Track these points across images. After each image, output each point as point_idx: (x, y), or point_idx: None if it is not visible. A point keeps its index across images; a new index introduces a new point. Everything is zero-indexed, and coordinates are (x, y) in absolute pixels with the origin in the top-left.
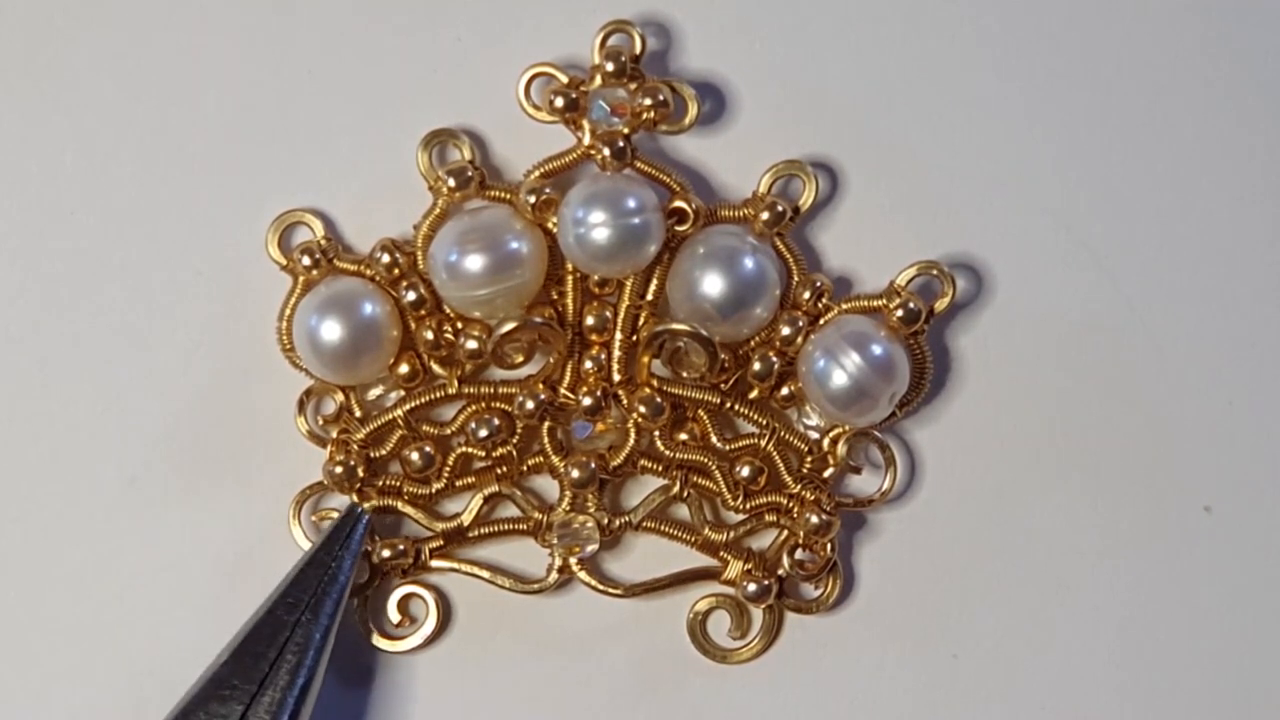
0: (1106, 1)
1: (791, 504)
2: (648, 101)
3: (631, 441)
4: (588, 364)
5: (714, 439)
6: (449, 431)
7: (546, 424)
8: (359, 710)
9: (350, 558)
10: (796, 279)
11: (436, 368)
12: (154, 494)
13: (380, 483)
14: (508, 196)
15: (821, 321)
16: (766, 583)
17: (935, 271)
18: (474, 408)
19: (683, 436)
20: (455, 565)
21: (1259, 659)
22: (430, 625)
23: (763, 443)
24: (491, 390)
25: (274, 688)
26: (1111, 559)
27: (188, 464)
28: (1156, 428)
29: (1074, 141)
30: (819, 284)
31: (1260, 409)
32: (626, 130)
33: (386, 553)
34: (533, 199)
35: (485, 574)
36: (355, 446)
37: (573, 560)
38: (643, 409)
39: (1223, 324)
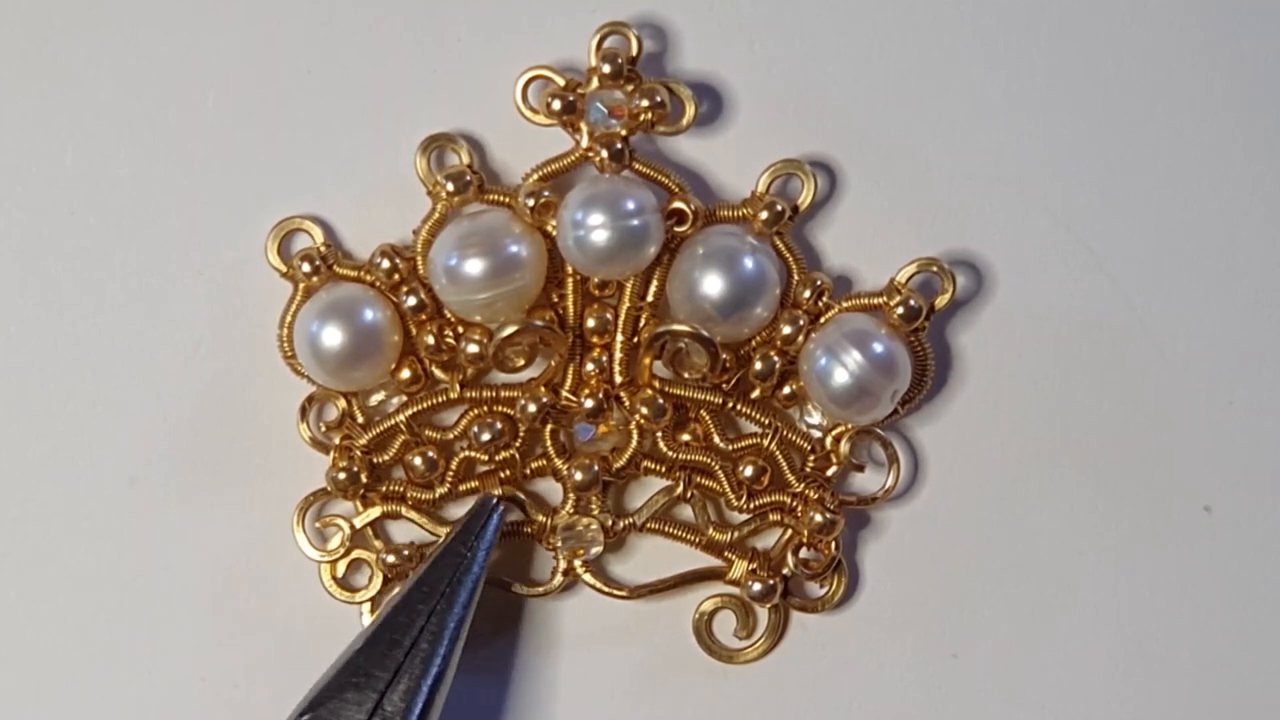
0: (1106, 1)
1: (795, 503)
2: (645, 103)
3: (634, 443)
4: (589, 366)
5: (717, 439)
6: (451, 436)
7: (549, 427)
8: None
9: (484, 548)
10: (796, 278)
11: (438, 372)
12: (154, 494)
13: (384, 488)
14: (507, 200)
15: (822, 320)
16: (771, 582)
17: (935, 269)
18: (476, 412)
19: (685, 437)
20: None
21: (1259, 659)
22: None
23: (765, 442)
24: (493, 394)
25: (409, 676)
26: (1111, 559)
27: (188, 465)
28: (1156, 427)
29: (1074, 140)
30: (819, 282)
31: (1260, 409)
32: (624, 132)
33: (391, 558)
34: (531, 202)
35: (490, 578)
36: (358, 452)
37: (577, 562)
38: (645, 410)
39: (1223, 324)
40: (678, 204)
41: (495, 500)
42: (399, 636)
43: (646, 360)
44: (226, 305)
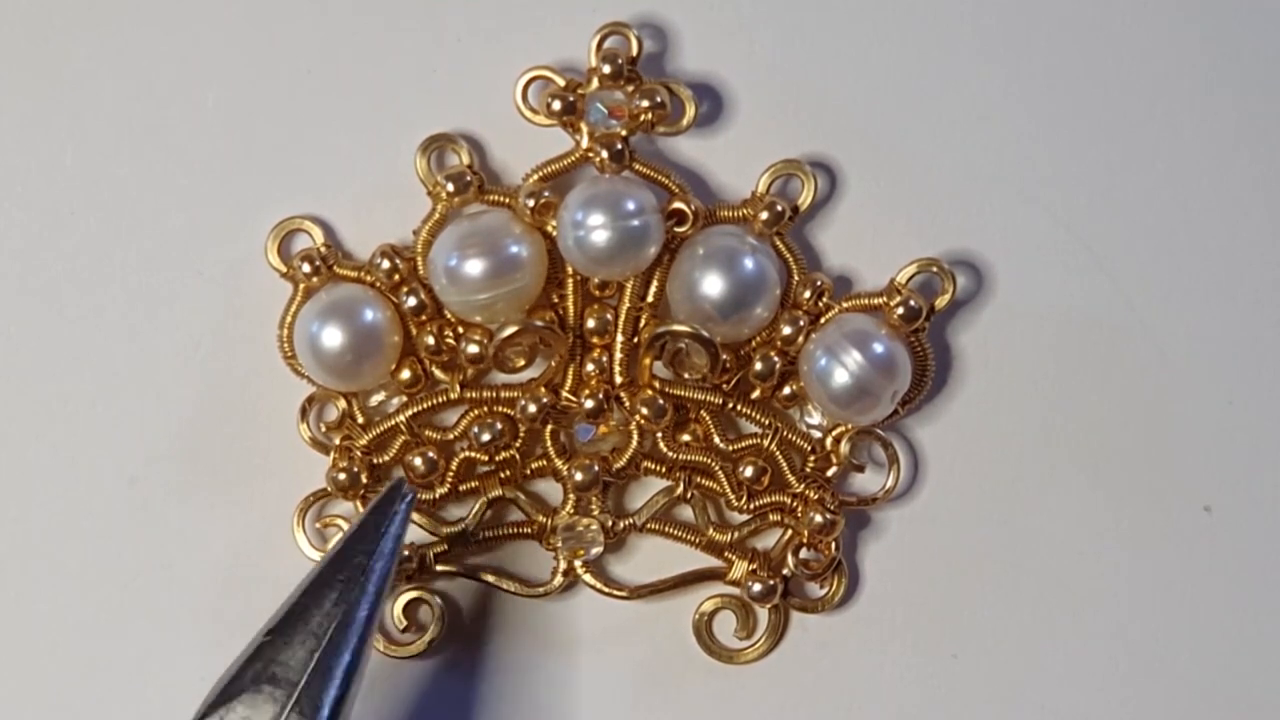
0: (1106, 1)
1: (795, 503)
2: (645, 103)
3: (634, 443)
4: (589, 367)
5: (717, 440)
6: (452, 436)
7: (549, 427)
8: (364, 718)
9: (393, 536)
10: (796, 278)
11: (438, 373)
12: (154, 494)
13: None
14: (507, 200)
15: (822, 320)
16: (771, 583)
17: (935, 269)
18: (476, 412)
19: (685, 438)
20: (460, 570)
21: (1259, 659)
22: (435, 630)
23: (766, 442)
24: (493, 394)
25: (323, 667)
26: (1111, 559)
27: (188, 465)
28: (1156, 427)
29: (1074, 140)
30: (819, 283)
31: (1260, 409)
32: (624, 132)
33: None
34: (532, 202)
35: (490, 578)
36: (358, 453)
37: (577, 563)
38: (645, 411)
39: (1223, 324)
40: (678, 204)
41: (404, 486)
42: (310, 625)
43: (646, 361)
44: (226, 305)
